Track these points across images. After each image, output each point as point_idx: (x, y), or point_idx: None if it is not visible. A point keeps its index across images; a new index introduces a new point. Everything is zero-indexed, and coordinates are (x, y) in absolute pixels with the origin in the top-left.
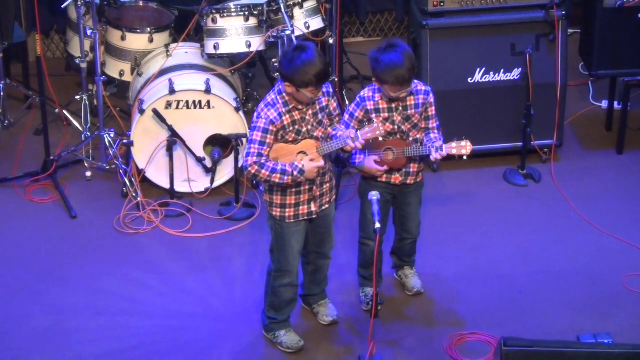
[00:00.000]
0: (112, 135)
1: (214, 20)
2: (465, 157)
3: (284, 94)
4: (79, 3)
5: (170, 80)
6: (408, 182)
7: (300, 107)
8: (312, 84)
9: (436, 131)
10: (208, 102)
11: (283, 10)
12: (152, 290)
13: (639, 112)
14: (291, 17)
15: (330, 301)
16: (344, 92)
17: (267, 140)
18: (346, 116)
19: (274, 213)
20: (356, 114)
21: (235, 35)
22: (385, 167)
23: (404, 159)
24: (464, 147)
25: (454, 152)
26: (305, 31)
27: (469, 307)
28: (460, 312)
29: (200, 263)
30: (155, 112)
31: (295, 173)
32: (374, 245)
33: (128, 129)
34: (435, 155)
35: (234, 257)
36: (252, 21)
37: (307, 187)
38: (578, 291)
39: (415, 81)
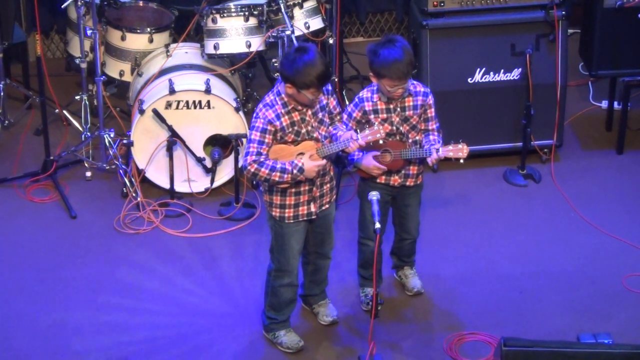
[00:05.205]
0: (112, 135)
1: (214, 20)
2: (462, 161)
3: (283, 95)
4: (79, 3)
5: (170, 80)
6: (407, 184)
7: (299, 107)
8: (313, 86)
9: (436, 133)
10: (208, 102)
11: (283, 10)
12: (152, 290)
13: (639, 112)
14: (291, 17)
15: (330, 301)
16: (343, 92)
17: (266, 140)
18: (344, 116)
19: (273, 213)
20: (354, 115)
21: (235, 35)
22: (384, 167)
23: (402, 161)
24: (461, 150)
25: (451, 154)
26: (305, 31)
27: (469, 307)
28: (460, 313)
29: (201, 263)
30: (155, 112)
31: (294, 171)
32: (374, 245)
33: (128, 129)
34: (432, 158)
35: (234, 257)
36: (252, 21)
37: (306, 187)
38: (578, 291)
39: (415, 82)
